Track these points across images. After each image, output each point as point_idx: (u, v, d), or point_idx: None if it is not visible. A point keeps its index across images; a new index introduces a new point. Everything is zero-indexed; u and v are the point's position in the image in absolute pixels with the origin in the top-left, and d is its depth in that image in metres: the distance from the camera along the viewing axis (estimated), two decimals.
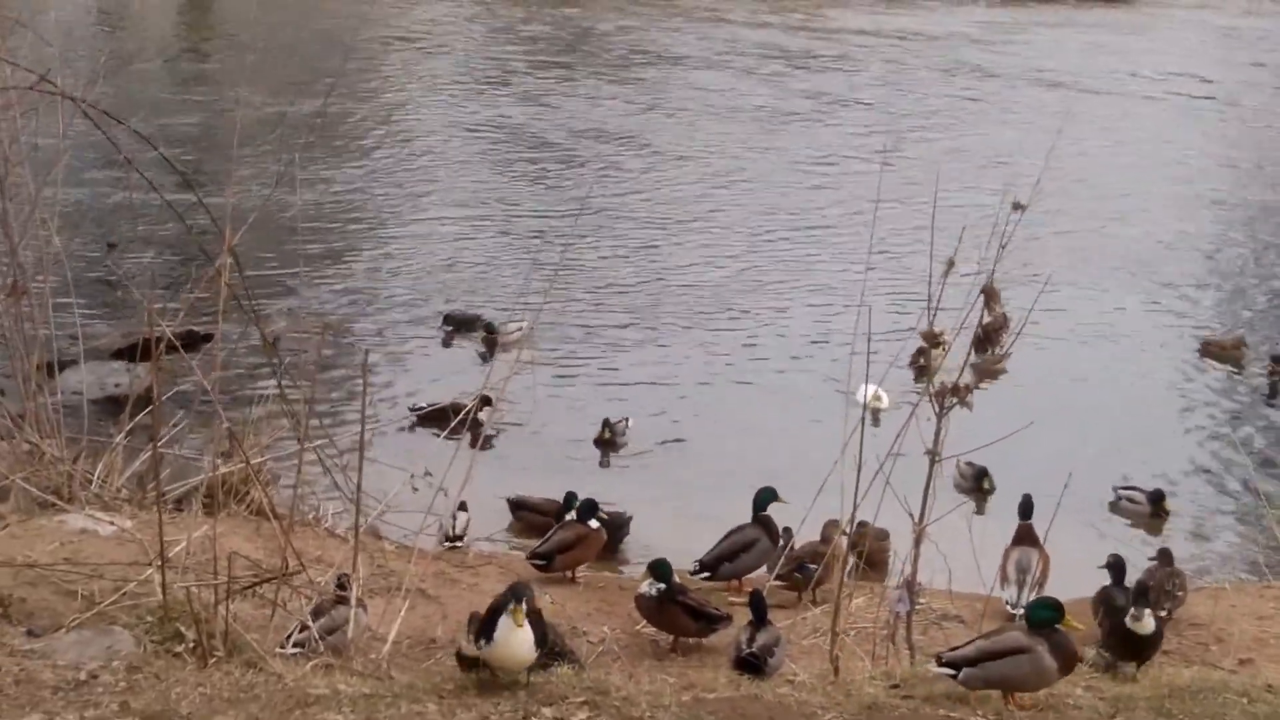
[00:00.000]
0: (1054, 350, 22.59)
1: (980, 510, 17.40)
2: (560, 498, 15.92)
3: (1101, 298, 25.61)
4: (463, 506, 15.35)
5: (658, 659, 12.58)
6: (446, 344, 22.39)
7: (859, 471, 10.37)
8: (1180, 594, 13.90)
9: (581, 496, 15.57)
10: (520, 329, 21.51)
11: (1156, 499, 17.99)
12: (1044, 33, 52.06)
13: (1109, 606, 13.87)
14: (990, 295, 11.43)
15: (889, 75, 43.92)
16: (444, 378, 20.83)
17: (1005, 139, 35.90)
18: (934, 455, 11.17)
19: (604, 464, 18.82)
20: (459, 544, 15.27)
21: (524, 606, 8.34)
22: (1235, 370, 22.21)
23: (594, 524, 14.95)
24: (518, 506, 16.85)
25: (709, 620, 12.98)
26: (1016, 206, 11.70)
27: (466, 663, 8.77)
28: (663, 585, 12.88)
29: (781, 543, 14.57)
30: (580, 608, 13.77)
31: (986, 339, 11.47)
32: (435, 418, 18.77)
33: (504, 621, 8.31)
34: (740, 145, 35.14)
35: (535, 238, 27.33)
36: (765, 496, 14.77)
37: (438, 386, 20.39)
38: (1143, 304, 25.53)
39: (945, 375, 11.66)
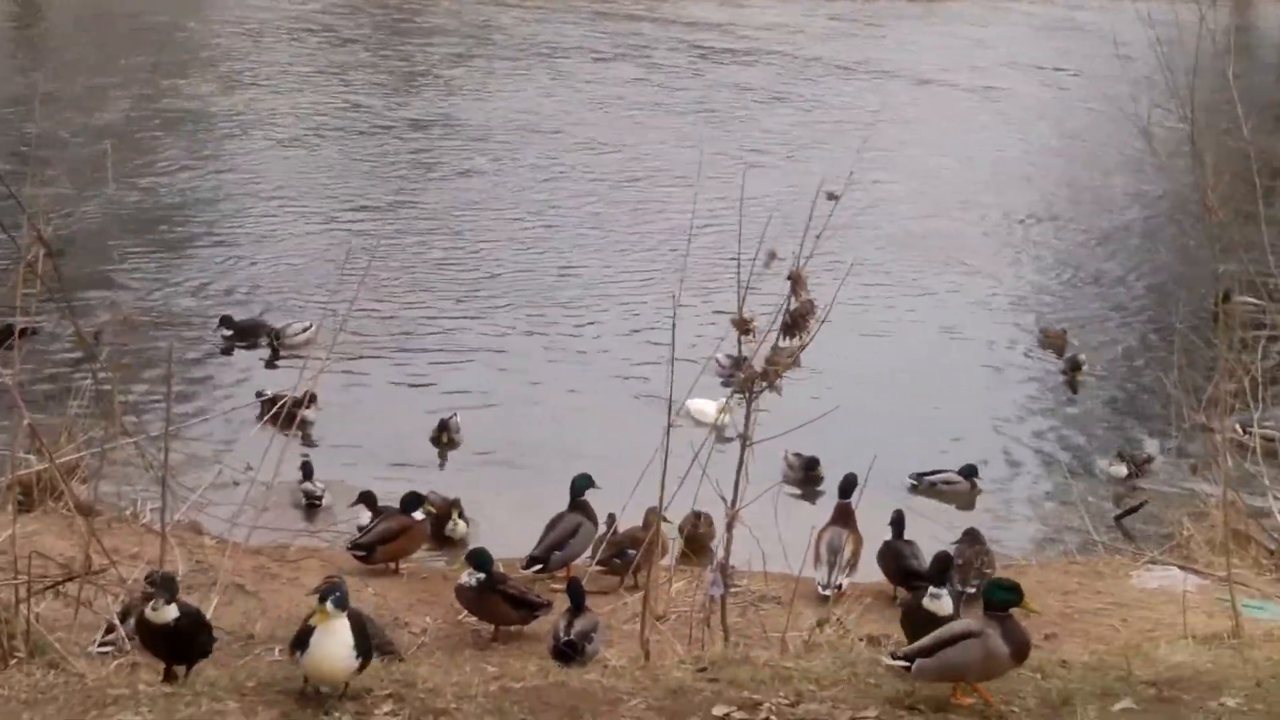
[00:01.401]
0: (869, 337, 23.09)
1: (812, 500, 17.58)
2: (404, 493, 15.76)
3: (917, 286, 26.09)
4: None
5: (479, 649, 12.62)
6: (227, 351, 21.70)
7: (665, 460, 10.45)
8: (989, 571, 14.21)
9: (427, 493, 15.66)
10: (306, 331, 21.33)
11: (970, 473, 18.38)
12: (901, 25, 52.17)
13: (897, 559, 14.32)
14: (797, 281, 11.51)
15: (733, 70, 43.82)
16: (252, 374, 20.86)
17: (833, 131, 36.04)
18: (744, 440, 11.33)
19: (442, 462, 18.74)
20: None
21: (329, 607, 7.95)
22: (1055, 358, 22.61)
23: (418, 515, 14.98)
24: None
25: (530, 608, 13.06)
26: (830, 196, 11.84)
27: None
28: (482, 575, 12.93)
29: (604, 529, 14.68)
30: (403, 599, 13.80)
31: (794, 325, 11.54)
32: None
33: (323, 628, 7.94)
34: (577, 139, 34.98)
35: (371, 234, 27.06)
36: (581, 483, 14.90)
37: (248, 384, 20.36)
38: (958, 292, 25.96)
39: (755, 362, 11.78)
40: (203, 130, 34.27)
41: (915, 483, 18.39)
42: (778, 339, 11.49)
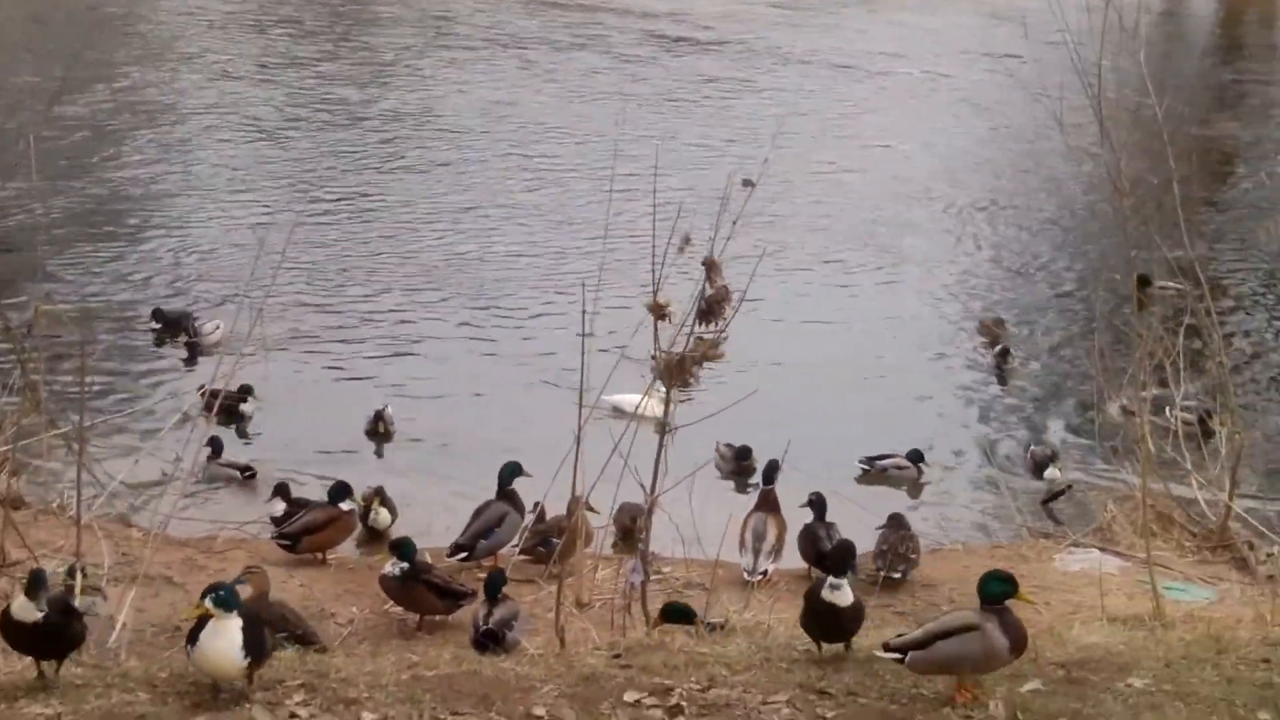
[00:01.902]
0: (807, 324, 23.20)
1: (743, 489, 17.62)
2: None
3: (854, 273, 26.18)
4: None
5: (404, 638, 12.68)
6: (159, 343, 21.54)
7: (578, 446, 10.51)
8: (914, 556, 14.37)
9: (361, 487, 15.69)
10: (217, 329, 21.21)
11: (917, 458, 18.49)
12: (846, 13, 52.00)
13: (813, 542, 14.41)
14: (712, 268, 11.57)
15: (660, 55, 43.75)
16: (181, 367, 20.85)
17: (757, 119, 35.95)
18: (663, 427, 11.40)
19: (378, 452, 18.69)
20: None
21: (208, 604, 7.87)
22: (991, 347, 22.72)
23: (345, 506, 14.99)
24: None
25: (454, 597, 13.11)
26: (746, 183, 11.88)
27: None
28: (406, 564, 12.98)
29: (531, 517, 14.74)
30: (329, 589, 13.83)
31: (709, 311, 11.62)
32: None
33: (211, 626, 7.90)
34: (534, 130, 34.76)
35: (312, 224, 26.96)
36: (509, 471, 14.95)
37: (179, 376, 20.40)
38: (897, 280, 26.06)
39: (672, 348, 11.84)
40: (152, 121, 33.98)
41: (866, 468, 18.46)
42: (693, 326, 11.56)
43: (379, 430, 18.74)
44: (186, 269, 24.79)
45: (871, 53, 44.11)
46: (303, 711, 7.98)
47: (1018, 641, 8.22)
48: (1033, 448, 19.00)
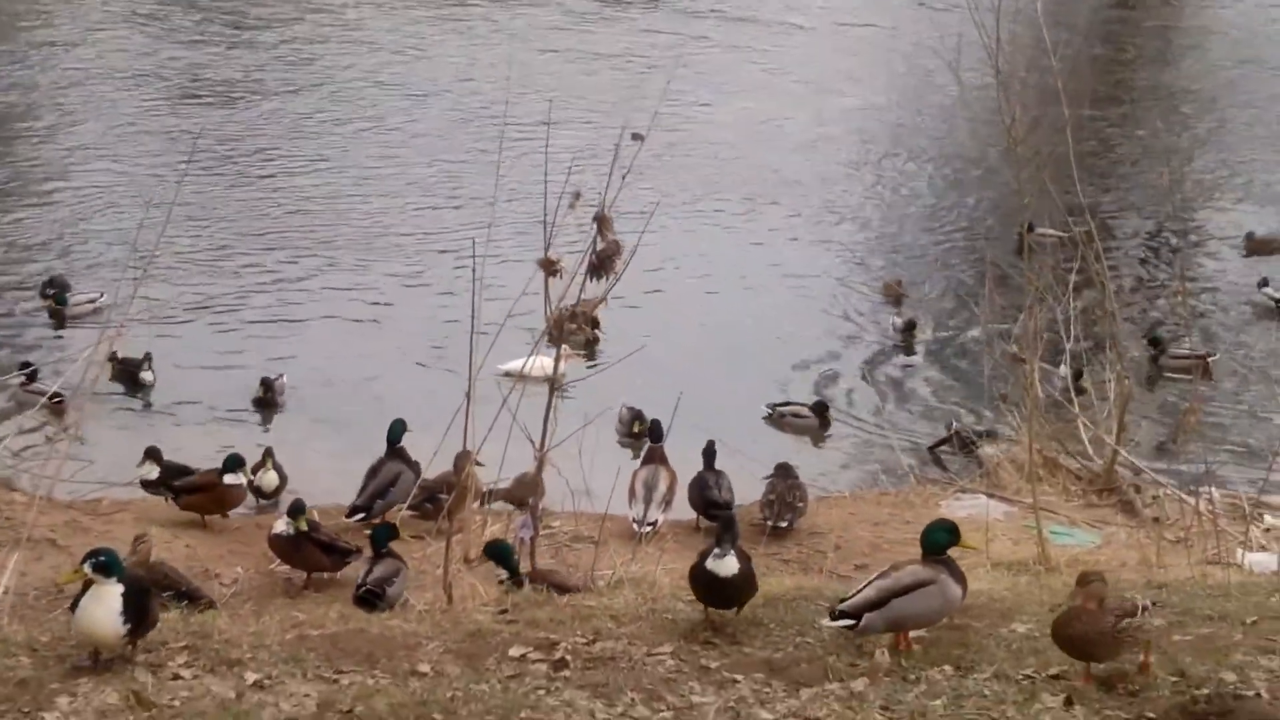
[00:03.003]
0: (685, 278, 23.25)
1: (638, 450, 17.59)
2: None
3: (736, 226, 26.24)
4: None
5: (290, 597, 12.61)
6: (54, 313, 21.13)
7: (469, 404, 10.48)
8: (801, 505, 14.46)
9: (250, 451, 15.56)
10: (93, 301, 21.00)
11: (821, 409, 18.63)
12: None
13: (701, 489, 14.48)
14: (603, 223, 11.56)
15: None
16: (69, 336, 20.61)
17: (653, 72, 35.76)
18: (553, 382, 11.39)
19: (265, 424, 18.53)
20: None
21: (86, 569, 7.72)
22: (893, 307, 22.81)
23: (235, 478, 14.72)
24: None
25: (341, 554, 13.09)
26: (635, 137, 11.84)
27: None
28: (296, 524, 12.91)
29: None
30: (214, 549, 13.73)
31: (600, 266, 11.60)
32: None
33: (91, 592, 7.76)
34: (455, 91, 34.44)
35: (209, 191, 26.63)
36: (397, 429, 14.89)
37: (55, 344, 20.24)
38: (778, 232, 26.12)
39: (563, 304, 11.82)
40: (40, 89, 33.47)
41: (770, 411, 18.72)
42: (584, 281, 11.55)
43: (266, 397, 18.56)
44: (71, 236, 24.43)
45: (769, 4, 43.91)
46: (186, 673, 7.89)
47: (965, 588, 8.32)
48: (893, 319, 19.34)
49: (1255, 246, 25.84)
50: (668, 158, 26.83)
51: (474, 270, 10.62)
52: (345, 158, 29.01)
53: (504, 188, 17.37)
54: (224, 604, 11.82)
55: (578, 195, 12.04)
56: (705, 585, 8.50)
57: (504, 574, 11.08)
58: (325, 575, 13.14)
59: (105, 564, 7.79)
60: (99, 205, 25.66)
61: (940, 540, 8.34)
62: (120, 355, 18.53)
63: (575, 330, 11.92)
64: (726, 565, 8.39)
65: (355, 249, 24.21)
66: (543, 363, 17.22)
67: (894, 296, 22.97)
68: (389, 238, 24.82)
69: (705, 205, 26.80)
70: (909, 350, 21.49)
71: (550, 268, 11.71)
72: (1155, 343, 20.77)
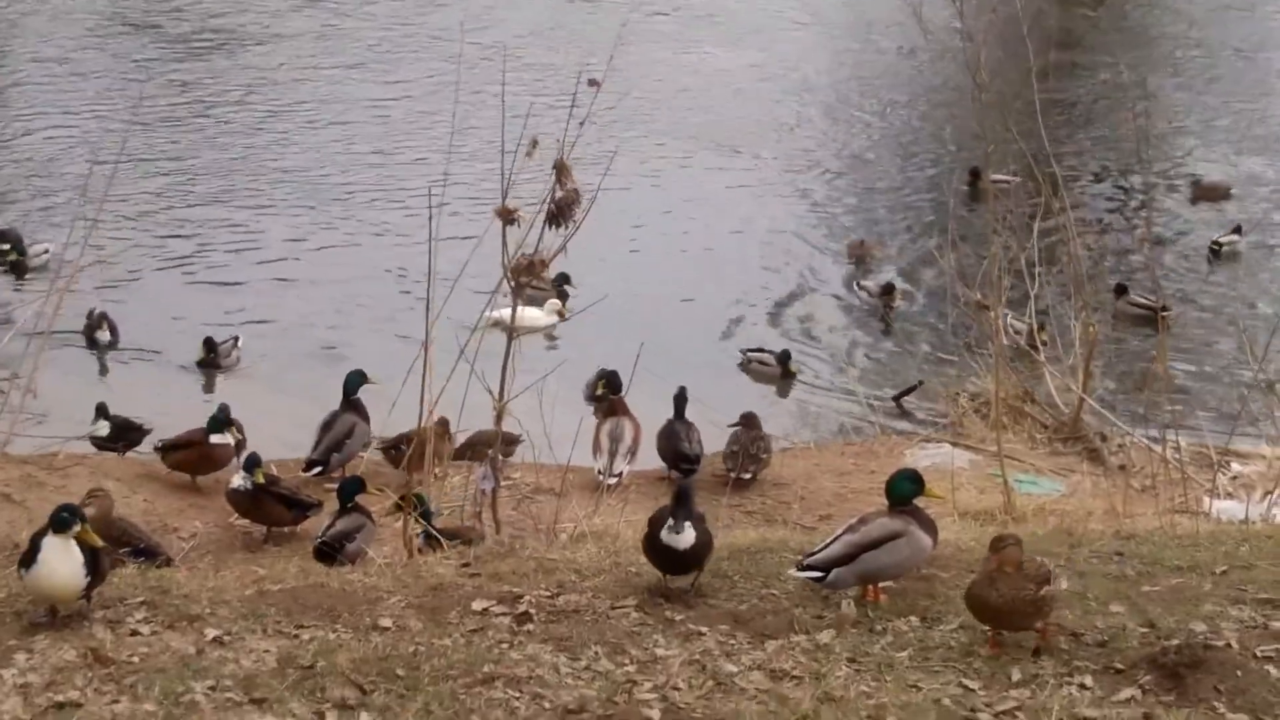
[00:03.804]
0: (648, 229, 23.14)
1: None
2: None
3: (698, 175, 26.14)
4: None
5: (249, 551, 12.47)
6: (16, 266, 21.00)
7: (426, 355, 10.34)
8: (765, 456, 14.34)
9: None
10: (46, 251, 20.84)
11: (784, 359, 18.61)
12: None
13: (671, 440, 14.57)
14: (561, 170, 11.40)
15: None
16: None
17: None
18: (510, 331, 11.24)
19: (208, 385, 18.31)
20: None
21: (75, 528, 7.63)
22: (858, 265, 22.72)
23: (221, 438, 14.44)
24: None
25: (301, 508, 12.96)
26: (592, 83, 11.66)
27: None
28: (253, 478, 12.77)
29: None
30: (173, 505, 13.56)
31: (559, 213, 11.45)
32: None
33: (48, 544, 7.64)
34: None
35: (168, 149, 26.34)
36: (353, 380, 14.73)
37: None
38: (738, 183, 26.01)
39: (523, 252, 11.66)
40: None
41: (742, 357, 18.95)
42: (543, 228, 11.39)
43: (209, 359, 18.36)
44: (17, 185, 24.19)
45: None
46: (144, 629, 7.76)
47: (935, 538, 8.19)
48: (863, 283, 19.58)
49: (1201, 193, 25.92)
50: (624, 105, 26.61)
51: (431, 218, 10.50)
52: (301, 106, 28.80)
53: (466, 137, 17.31)
54: (182, 559, 11.69)
55: (534, 143, 11.92)
56: (661, 556, 8.25)
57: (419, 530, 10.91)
58: (286, 529, 13.00)
59: (66, 519, 7.70)
60: (50, 155, 25.37)
61: (906, 490, 8.26)
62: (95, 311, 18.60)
63: (533, 281, 11.69)
64: (684, 538, 8.12)
65: (313, 198, 24.03)
66: (532, 313, 17.24)
67: (858, 257, 22.79)
68: (348, 186, 24.72)
69: (669, 154, 26.64)
70: (887, 315, 21.13)
71: (508, 216, 11.55)
72: (1120, 290, 20.76)
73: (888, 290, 21.30)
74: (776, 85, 31.53)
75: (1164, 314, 17.15)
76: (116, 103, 28.27)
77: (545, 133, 11.15)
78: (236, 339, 18.80)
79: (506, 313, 15.05)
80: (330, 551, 11.36)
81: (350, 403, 14.60)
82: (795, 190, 25.76)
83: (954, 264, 17.26)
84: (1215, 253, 23.14)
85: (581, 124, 11.14)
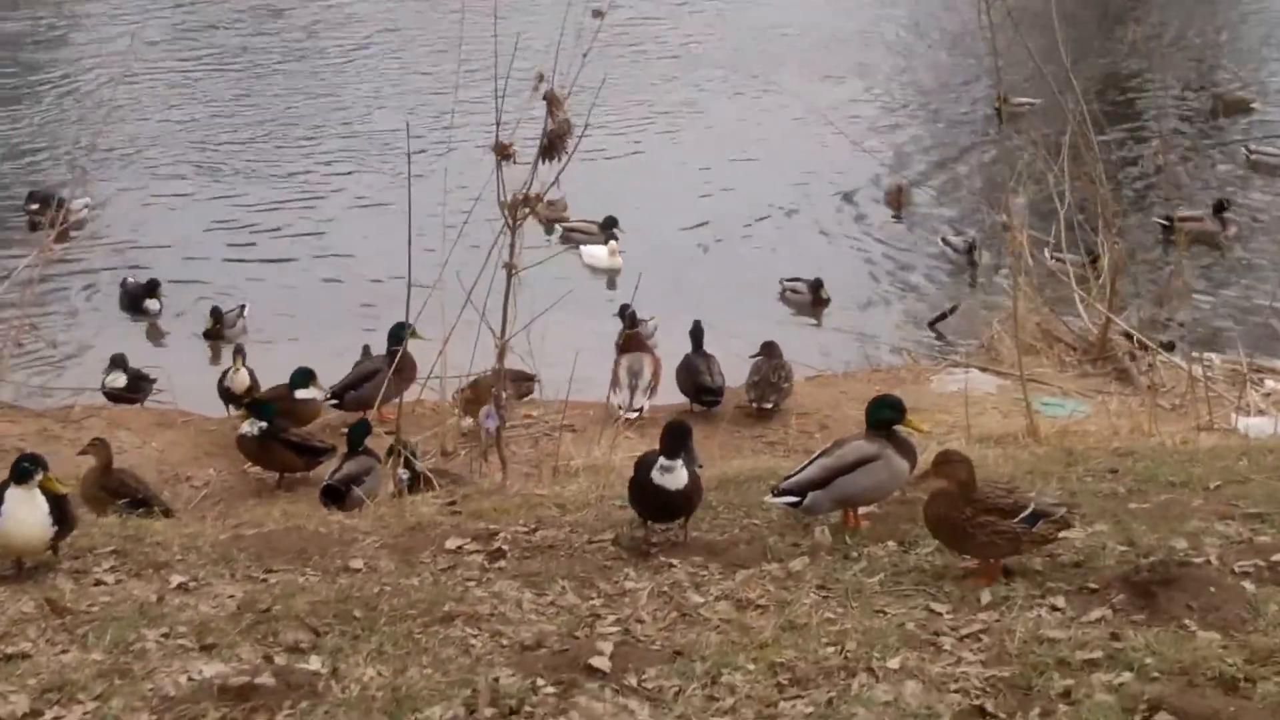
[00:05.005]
0: (675, 164, 22.95)
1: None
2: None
3: (726, 109, 25.85)
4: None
5: (261, 498, 12.41)
6: (34, 226, 20.47)
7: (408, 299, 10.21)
8: (786, 385, 14.14)
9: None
10: (86, 206, 21.12)
11: (816, 286, 18.48)
12: None
13: (691, 373, 14.39)
14: (553, 102, 11.21)
15: None
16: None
17: None
18: (510, 268, 11.08)
19: (213, 357, 18.19)
20: None
21: (37, 477, 7.52)
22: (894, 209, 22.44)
23: (307, 393, 14.29)
24: None
25: (313, 454, 12.90)
26: (596, 13, 11.46)
27: None
28: (264, 424, 12.71)
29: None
30: (188, 452, 13.54)
31: (551, 146, 11.27)
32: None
33: (11, 495, 7.54)
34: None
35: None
36: (396, 331, 14.50)
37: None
38: (766, 112, 25.77)
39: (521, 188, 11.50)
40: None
41: (780, 286, 19.03)
42: (536, 163, 11.22)
43: (214, 330, 18.31)
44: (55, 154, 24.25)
45: None
46: (109, 578, 7.67)
47: (913, 462, 7.96)
48: (950, 239, 19.13)
49: (1224, 108, 25.58)
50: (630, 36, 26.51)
51: (408, 158, 10.38)
52: (310, 50, 28.89)
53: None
54: (194, 507, 11.65)
55: (540, 77, 11.76)
56: (650, 497, 7.77)
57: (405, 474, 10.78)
58: (298, 475, 12.93)
59: (28, 470, 7.59)
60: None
61: (883, 416, 8.04)
62: (129, 280, 18.68)
63: (532, 213, 11.53)
64: (675, 478, 7.67)
65: (338, 154, 24.00)
66: (598, 253, 17.20)
67: (896, 204, 22.40)
68: (348, 134, 24.71)
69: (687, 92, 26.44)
70: (973, 275, 20.47)
71: (504, 152, 11.39)
72: (1219, 207, 20.60)
73: (971, 248, 20.60)
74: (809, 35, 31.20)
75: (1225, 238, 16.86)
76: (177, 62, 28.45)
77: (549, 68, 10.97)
78: (243, 307, 18.68)
79: (594, 250, 15.01)
80: (335, 494, 11.29)
81: (392, 352, 14.26)
82: (821, 121, 25.44)
83: (984, 192, 17.03)
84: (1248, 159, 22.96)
85: (584, 55, 10.97)
